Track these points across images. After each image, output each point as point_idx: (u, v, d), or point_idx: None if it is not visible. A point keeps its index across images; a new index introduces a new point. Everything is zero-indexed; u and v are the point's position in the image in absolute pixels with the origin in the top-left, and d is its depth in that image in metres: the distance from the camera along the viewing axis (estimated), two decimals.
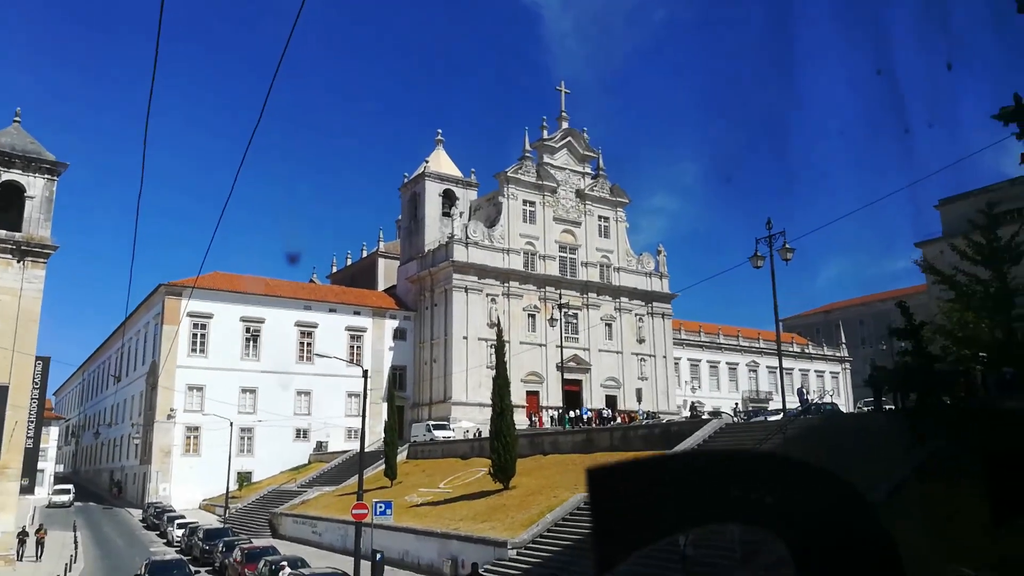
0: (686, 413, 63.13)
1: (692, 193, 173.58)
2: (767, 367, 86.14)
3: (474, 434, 50.57)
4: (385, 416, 66.34)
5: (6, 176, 31.66)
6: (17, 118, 33.24)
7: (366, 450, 54.51)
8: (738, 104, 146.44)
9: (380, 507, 23.26)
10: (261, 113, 36.13)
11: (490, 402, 64.22)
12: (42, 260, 32.17)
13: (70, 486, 61.92)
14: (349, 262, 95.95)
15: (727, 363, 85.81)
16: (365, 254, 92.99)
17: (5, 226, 31.51)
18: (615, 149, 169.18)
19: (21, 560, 30.54)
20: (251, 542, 29.93)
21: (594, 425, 51.32)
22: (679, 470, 1.44)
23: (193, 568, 28.09)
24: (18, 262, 31.41)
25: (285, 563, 21.68)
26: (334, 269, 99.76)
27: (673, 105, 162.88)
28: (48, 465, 66.33)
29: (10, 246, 31.26)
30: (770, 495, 1.36)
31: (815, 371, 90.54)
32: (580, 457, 32.49)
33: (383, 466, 41.21)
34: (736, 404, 77.51)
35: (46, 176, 32.53)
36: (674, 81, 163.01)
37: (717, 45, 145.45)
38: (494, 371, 35.68)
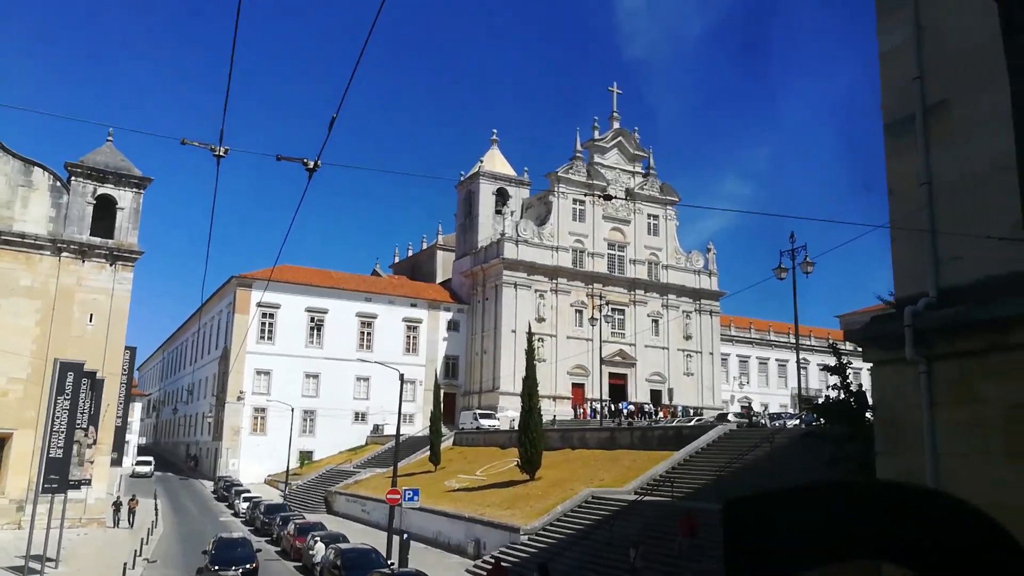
0: (735, 409, 64.91)
1: (764, 177, 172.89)
2: (817, 364, 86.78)
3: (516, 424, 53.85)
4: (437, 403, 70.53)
5: (101, 190, 36.11)
6: (110, 137, 37.70)
7: (418, 435, 58.48)
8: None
9: (408, 493, 26.66)
10: (331, 123, 39.62)
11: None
12: (130, 264, 36.59)
13: (150, 458, 67.75)
14: (410, 253, 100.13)
15: (776, 360, 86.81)
16: (425, 246, 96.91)
17: (100, 234, 36.00)
18: (677, 140, 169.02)
19: (116, 526, 35.00)
20: (304, 517, 33.80)
21: (634, 419, 53.90)
22: (821, 501, 1.37)
23: (255, 538, 32.13)
24: (111, 265, 35.89)
25: (324, 537, 25.52)
26: (396, 260, 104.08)
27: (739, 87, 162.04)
28: (132, 438, 72.45)
29: (104, 252, 35.73)
30: (914, 531, 1.31)
31: (867, 370, 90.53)
32: (603, 452, 35.32)
33: (428, 452, 44.83)
34: (785, 402, 78.92)
35: (134, 190, 36.90)
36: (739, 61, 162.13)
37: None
38: (534, 365, 38.59)
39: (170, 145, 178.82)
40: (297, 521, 30.98)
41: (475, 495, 33.77)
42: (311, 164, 10.29)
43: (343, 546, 23.15)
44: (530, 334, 41.61)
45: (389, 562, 22.57)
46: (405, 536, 24.80)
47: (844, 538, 1.34)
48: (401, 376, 34.24)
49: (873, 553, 1.34)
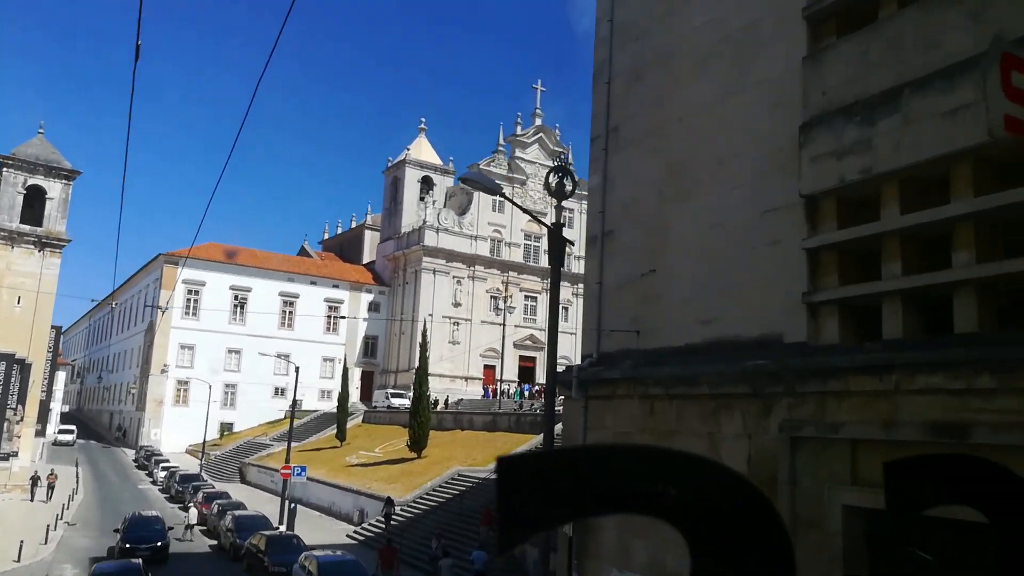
0: None
1: None
2: None
3: (433, 402, 58.25)
4: (357, 381, 74.62)
5: (31, 181, 38.91)
6: (41, 130, 40.36)
7: (332, 411, 62.26)
8: None
9: (297, 469, 30.98)
10: (250, 103, 42.96)
11: (448, 373, 71.83)
12: (58, 250, 39.57)
13: (73, 427, 70.08)
14: (340, 231, 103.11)
15: None
16: (354, 225, 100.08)
17: (29, 222, 38.85)
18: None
19: (32, 500, 36.80)
20: (213, 487, 37.71)
21: (535, 401, 58.74)
22: (580, 463, 1.47)
23: (169, 504, 35.94)
24: (39, 252, 38.83)
25: (225, 505, 29.52)
26: (326, 236, 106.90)
27: None
28: (56, 406, 74.49)
29: (33, 239, 38.64)
30: (673, 488, 1.43)
31: None
32: (486, 434, 40.11)
33: (335, 429, 49.07)
34: None
35: (63, 181, 39.77)
36: None
37: None
38: (427, 356, 42.99)
39: (105, 134, 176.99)
40: (206, 490, 34.97)
41: (369, 470, 38.24)
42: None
43: (237, 513, 27.32)
44: (424, 328, 45.91)
45: (276, 526, 26.93)
46: (293, 505, 29.16)
47: (606, 494, 1.46)
48: (297, 369, 38.16)
49: (632, 508, 1.48)
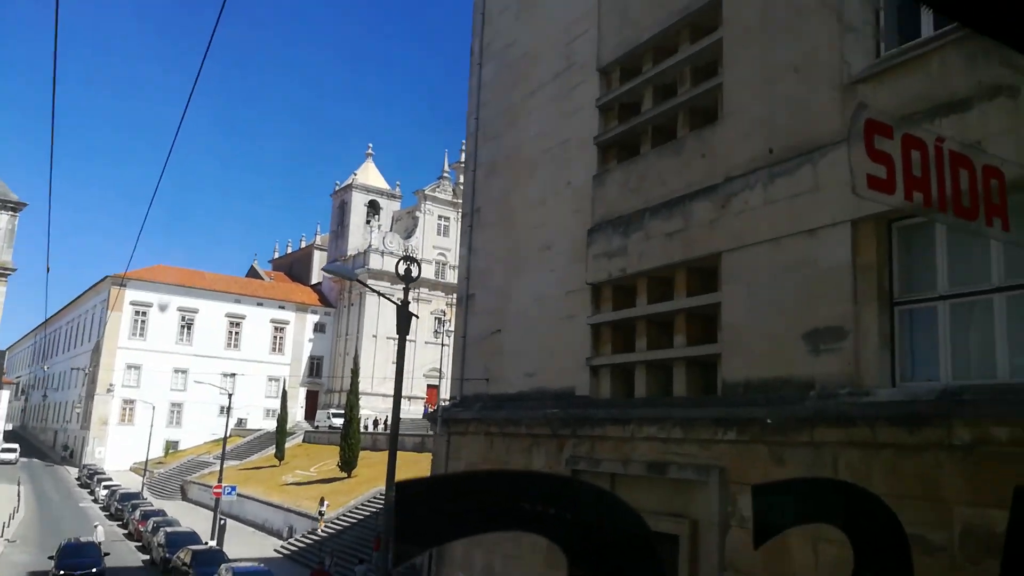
0: None
1: None
2: None
3: (371, 422, 60.45)
4: (302, 401, 76.48)
5: None
6: None
7: (275, 430, 63.88)
8: None
9: (227, 489, 33.25)
10: (185, 110, 44.83)
11: (391, 393, 74.14)
12: (4, 279, 41.21)
13: (16, 445, 70.56)
14: (289, 250, 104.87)
15: None
16: (304, 244, 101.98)
17: None
18: None
19: None
20: (152, 505, 39.55)
21: None
22: (477, 485, 1.62)
23: (108, 522, 37.68)
24: None
25: (160, 522, 31.57)
26: (276, 255, 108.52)
27: None
28: None
29: None
30: (564, 511, 1.55)
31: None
32: (416, 455, 42.57)
33: (275, 448, 51.13)
34: None
35: (10, 212, 41.48)
36: None
37: None
38: (358, 384, 45.36)
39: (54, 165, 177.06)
40: (143, 508, 36.90)
41: (302, 489, 40.47)
42: None
43: (169, 529, 29.45)
44: (356, 357, 48.26)
45: (205, 541, 29.10)
46: (223, 521, 31.39)
47: (495, 514, 1.60)
48: (229, 395, 40.29)
49: (520, 525, 1.62)
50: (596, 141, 13.02)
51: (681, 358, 10.90)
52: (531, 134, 15.02)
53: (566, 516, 1.60)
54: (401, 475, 29.63)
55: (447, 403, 16.28)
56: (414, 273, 14.91)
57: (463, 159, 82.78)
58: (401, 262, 15.20)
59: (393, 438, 16.08)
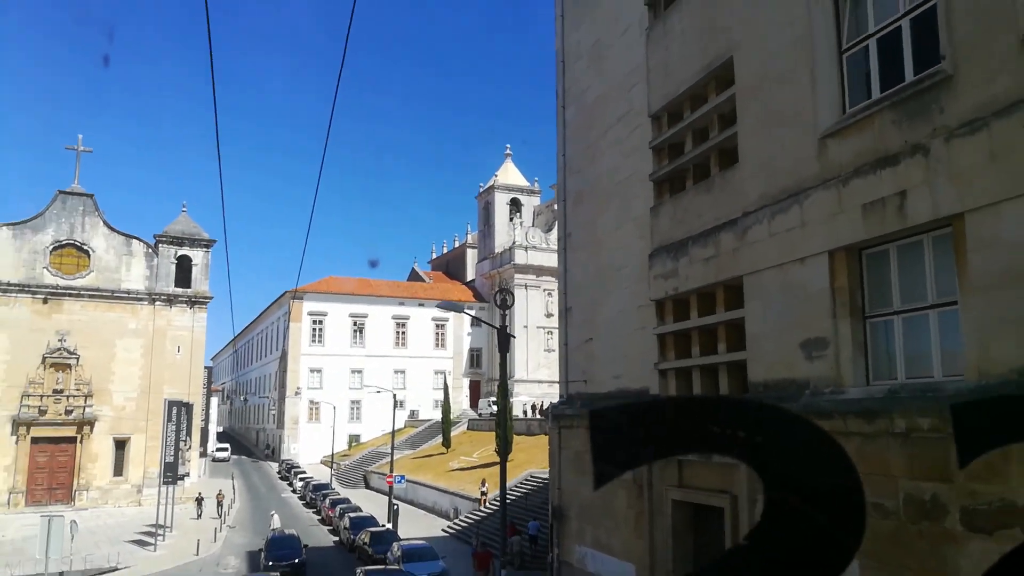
0: None
1: None
2: None
3: (530, 407, 64.46)
4: (466, 391, 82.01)
5: (180, 252, 47.95)
6: (184, 208, 49.43)
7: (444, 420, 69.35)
8: None
9: (398, 478, 37.84)
10: (327, 133, 50.23)
11: (546, 379, 77.58)
12: (204, 306, 48.45)
13: (227, 445, 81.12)
14: (445, 251, 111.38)
15: None
16: (457, 244, 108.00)
17: (181, 285, 47.89)
18: None
19: (200, 518, 40.99)
20: (339, 494, 45.33)
21: None
22: (659, 413, 1.65)
23: (305, 511, 43.72)
24: (190, 308, 47.79)
25: (345, 508, 36.77)
26: (434, 256, 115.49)
27: None
28: (212, 427, 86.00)
29: (185, 299, 47.64)
30: (752, 433, 1.57)
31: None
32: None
33: (441, 437, 56.14)
34: None
35: (204, 249, 48.63)
36: None
37: None
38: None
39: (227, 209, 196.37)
40: (332, 497, 42.63)
41: (465, 473, 44.77)
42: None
43: (352, 515, 34.38)
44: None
45: (382, 524, 33.76)
46: (396, 506, 36.06)
47: (686, 436, 1.64)
48: (394, 396, 45.03)
49: (711, 448, 1.62)
50: (651, 178, 15.33)
51: (723, 363, 13.12)
52: (605, 169, 17.50)
53: (757, 438, 1.61)
54: (529, 459, 32.64)
55: (556, 402, 19.13)
56: (510, 299, 17.75)
57: None
58: (497, 294, 18.07)
59: (502, 423, 18.93)
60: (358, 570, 23.79)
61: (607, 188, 17.39)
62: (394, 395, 45.62)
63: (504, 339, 17.85)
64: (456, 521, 37.27)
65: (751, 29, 12.45)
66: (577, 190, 19.07)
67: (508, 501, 35.21)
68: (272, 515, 37.57)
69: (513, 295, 17.00)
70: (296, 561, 27.55)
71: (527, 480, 36.88)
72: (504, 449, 39.00)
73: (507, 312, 18.45)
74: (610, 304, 17.03)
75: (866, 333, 10.31)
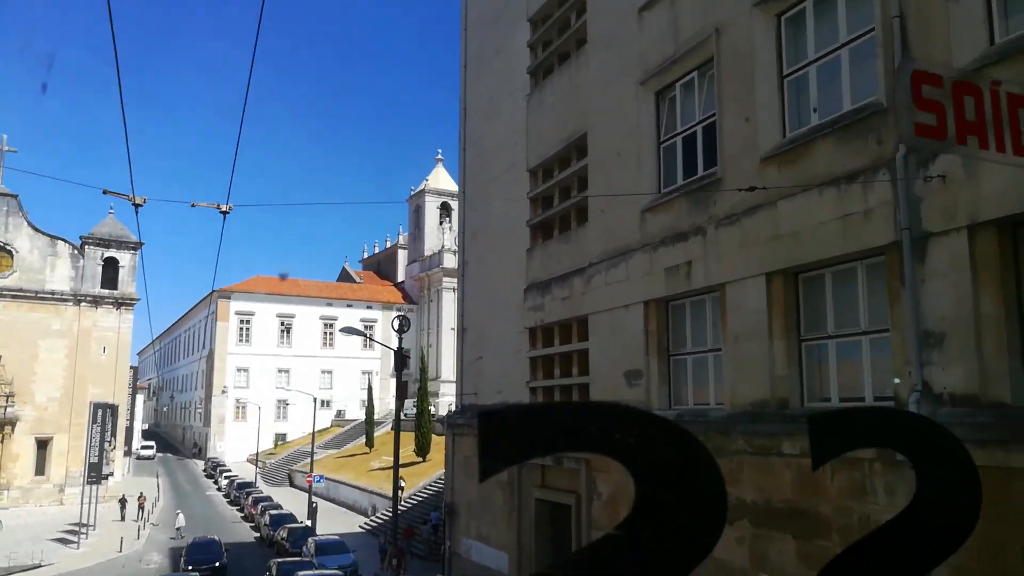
0: None
1: None
2: None
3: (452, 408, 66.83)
4: (393, 391, 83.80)
5: (107, 254, 48.74)
6: (112, 210, 50.18)
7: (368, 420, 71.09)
8: None
9: (317, 477, 39.94)
10: (241, 127, 51.68)
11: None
12: (131, 307, 49.34)
13: (153, 443, 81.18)
14: (376, 251, 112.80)
15: None
16: (389, 244, 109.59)
17: (107, 287, 48.69)
18: None
19: (123, 520, 40.95)
20: (262, 492, 46.99)
21: None
22: (550, 413, 1.91)
23: (231, 508, 45.24)
24: (116, 310, 48.65)
25: (266, 506, 38.62)
26: (365, 255, 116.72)
27: None
28: (137, 424, 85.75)
29: (111, 300, 48.48)
30: (626, 436, 1.75)
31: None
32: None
33: (365, 438, 58.14)
34: None
35: (131, 251, 49.52)
36: None
37: None
38: (426, 374, 51.44)
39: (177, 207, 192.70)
40: (255, 495, 44.33)
41: (386, 473, 46.89)
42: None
43: (272, 512, 36.36)
44: (423, 360, 54.30)
45: (301, 521, 35.79)
46: (314, 504, 38.16)
47: (566, 436, 1.81)
48: (313, 399, 46.89)
49: (588, 447, 1.83)
50: (527, 224, 18.01)
51: (575, 384, 15.89)
52: (495, 211, 20.11)
53: (629, 440, 1.78)
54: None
55: (451, 412, 21.69)
56: (407, 324, 20.21)
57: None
58: (394, 320, 20.51)
59: (395, 442, 21.30)
60: (272, 561, 25.85)
61: (497, 228, 20.00)
62: (315, 398, 47.52)
63: (400, 360, 20.29)
64: (373, 518, 39.58)
65: (599, 114, 15.23)
66: (474, 225, 21.64)
67: (427, 497, 37.80)
68: (177, 514, 38.94)
69: (403, 326, 19.40)
70: (217, 565, 28.00)
71: (442, 479, 39.37)
72: (422, 449, 41.34)
73: (402, 336, 20.89)
74: (497, 328, 19.65)
75: (669, 367, 13.17)
